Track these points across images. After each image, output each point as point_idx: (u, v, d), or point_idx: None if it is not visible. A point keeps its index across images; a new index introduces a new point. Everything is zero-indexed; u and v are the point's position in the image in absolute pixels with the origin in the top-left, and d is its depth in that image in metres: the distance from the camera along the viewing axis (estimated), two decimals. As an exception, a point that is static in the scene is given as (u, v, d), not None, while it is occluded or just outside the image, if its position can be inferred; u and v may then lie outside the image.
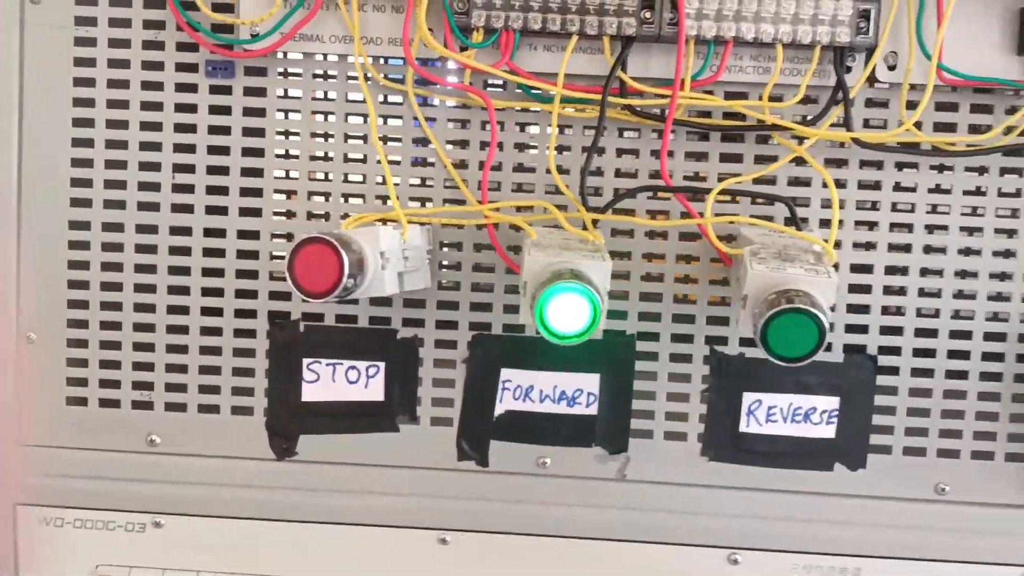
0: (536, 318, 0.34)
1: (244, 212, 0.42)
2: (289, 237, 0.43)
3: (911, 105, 0.40)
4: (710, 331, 0.42)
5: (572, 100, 0.41)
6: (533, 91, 0.40)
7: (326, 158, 0.42)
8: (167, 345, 0.43)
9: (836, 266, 0.39)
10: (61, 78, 0.42)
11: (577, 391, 0.42)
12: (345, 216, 0.42)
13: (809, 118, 0.40)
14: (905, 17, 0.39)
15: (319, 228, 0.42)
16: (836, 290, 0.35)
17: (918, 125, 0.40)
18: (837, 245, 0.41)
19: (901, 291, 0.42)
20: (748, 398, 0.42)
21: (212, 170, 0.42)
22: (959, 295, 0.42)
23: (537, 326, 0.34)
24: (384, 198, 0.42)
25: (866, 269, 0.42)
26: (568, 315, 0.33)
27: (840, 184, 0.41)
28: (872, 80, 0.40)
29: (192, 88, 0.42)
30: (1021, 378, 0.42)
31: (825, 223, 0.40)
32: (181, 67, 0.42)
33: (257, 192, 0.42)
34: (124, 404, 0.43)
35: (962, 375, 0.42)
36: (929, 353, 0.42)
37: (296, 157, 0.42)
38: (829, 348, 0.42)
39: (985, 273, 0.41)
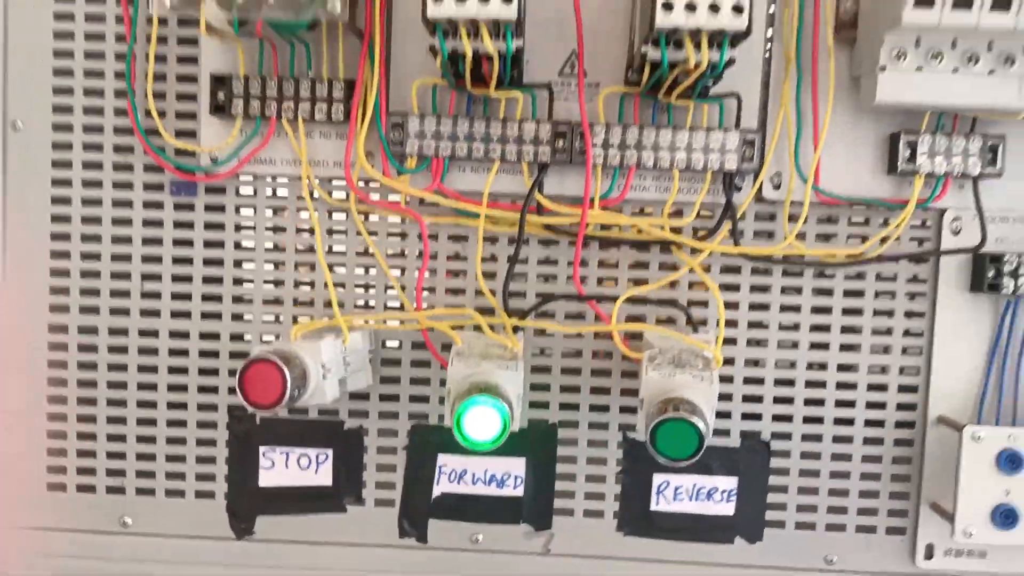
0: (454, 427, 0.38)
1: (205, 316, 0.47)
2: (243, 339, 0.48)
3: (795, 218, 0.45)
4: (623, 419, 0.47)
5: (495, 217, 0.46)
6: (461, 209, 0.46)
7: (277, 267, 0.47)
8: (137, 436, 0.48)
9: (731, 360, 0.44)
10: (40, 199, 0.47)
11: (506, 474, 0.47)
12: (295, 320, 0.47)
13: (701, 234, 0.46)
14: (787, 143, 0.45)
15: (273, 330, 0.47)
16: (717, 394, 0.40)
17: (803, 235, 0.46)
18: (732, 342, 0.46)
19: (790, 383, 0.47)
20: (657, 479, 0.47)
21: (176, 278, 0.47)
22: (841, 386, 0.47)
23: (455, 433, 0.39)
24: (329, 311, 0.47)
25: (759, 364, 0.47)
26: (481, 425, 0.38)
27: (734, 287, 0.47)
28: (760, 198, 0.45)
29: (158, 205, 0.47)
30: (898, 460, 0.47)
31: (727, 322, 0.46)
32: (148, 186, 0.47)
33: (216, 298, 0.47)
34: (99, 489, 0.48)
35: (846, 457, 0.47)
36: (816, 438, 0.47)
37: (252, 266, 0.47)
38: (728, 434, 0.47)
39: (864, 366, 0.47)
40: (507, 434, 0.39)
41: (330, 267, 0.47)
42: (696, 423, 0.38)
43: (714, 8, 0.36)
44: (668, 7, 0.36)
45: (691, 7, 0.36)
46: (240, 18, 0.40)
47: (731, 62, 0.38)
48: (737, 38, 0.37)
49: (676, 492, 0.47)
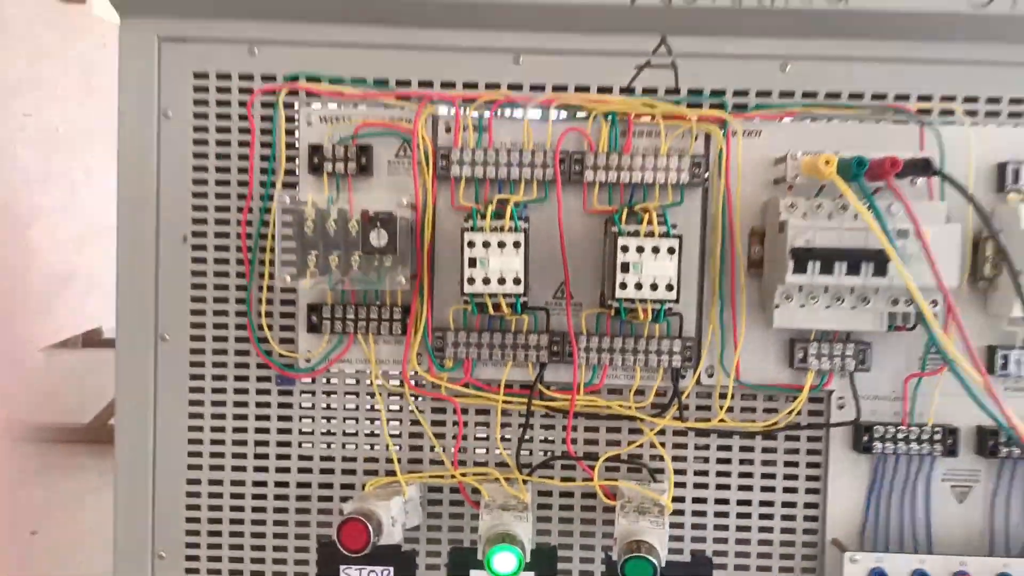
0: (486, 564, 0.56)
1: (300, 471, 0.65)
2: (330, 487, 0.65)
3: (725, 398, 0.63)
4: (604, 542, 0.65)
5: (510, 399, 0.64)
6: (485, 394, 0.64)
7: (353, 437, 0.65)
8: (251, 558, 0.66)
9: (681, 498, 0.62)
10: (180, 393, 0.65)
11: (519, 584, 0.65)
12: (365, 483, 0.65)
13: (656, 411, 0.64)
14: (716, 347, 0.63)
15: (351, 481, 0.65)
16: (667, 534, 0.58)
17: (732, 410, 0.64)
18: (683, 485, 0.64)
19: (725, 515, 0.65)
20: (630, 587, 0.64)
21: (280, 444, 0.65)
22: (763, 516, 0.64)
23: (486, 569, 0.56)
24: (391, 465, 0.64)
25: (702, 501, 0.65)
26: (504, 562, 0.56)
27: (683, 446, 0.64)
28: (698, 383, 0.63)
29: (267, 392, 0.65)
30: (806, 570, 0.64)
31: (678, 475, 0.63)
32: (261, 378, 0.65)
33: (308, 457, 0.65)
34: (223, 598, 0.66)
35: (767, 568, 0.64)
36: (745, 554, 0.64)
37: (333, 437, 0.65)
38: (681, 552, 0.64)
39: (779, 503, 0.64)
40: (522, 567, 0.56)
41: (391, 436, 0.65)
42: (652, 560, 0.56)
43: (654, 287, 0.55)
44: (623, 286, 0.55)
45: (639, 286, 0.55)
46: (337, 286, 0.59)
47: (670, 310, 0.56)
48: (671, 301, 0.55)
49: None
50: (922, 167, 0.55)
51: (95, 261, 2.84)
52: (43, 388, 4.63)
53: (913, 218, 0.54)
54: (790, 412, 0.63)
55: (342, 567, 0.65)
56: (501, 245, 0.56)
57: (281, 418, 0.65)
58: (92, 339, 5.47)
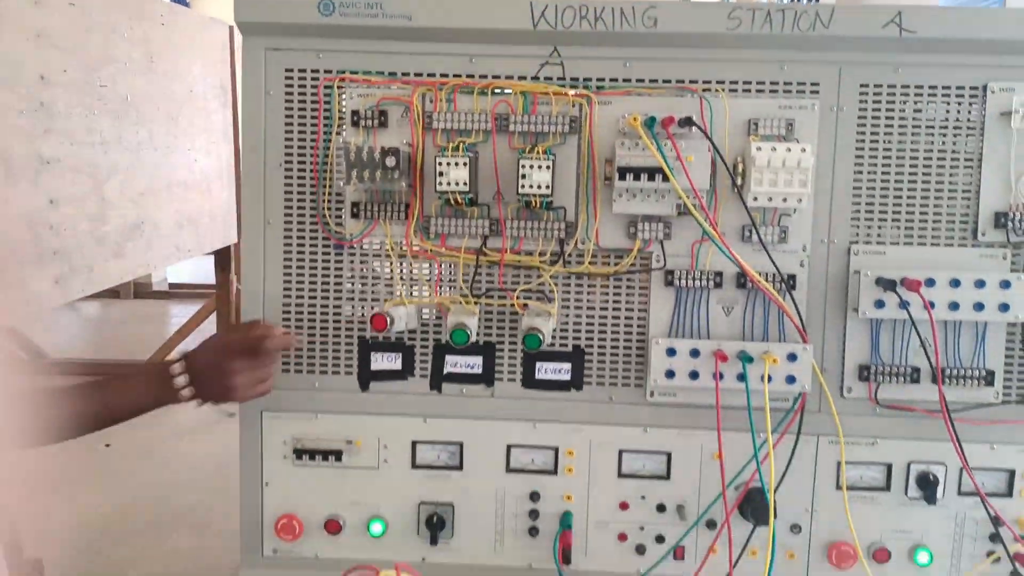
0: (452, 337, 1.04)
1: (348, 299, 1.13)
2: (363, 319, 1.13)
3: (590, 253, 1.10)
4: (519, 342, 1.12)
5: (467, 258, 1.11)
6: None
7: (377, 282, 1.13)
8: (322, 346, 1.14)
9: (568, 316, 1.09)
10: (277, 257, 1.13)
11: (475, 363, 1.12)
12: (385, 302, 1.12)
13: (552, 262, 1.10)
14: (585, 223, 1.09)
15: (376, 306, 1.12)
16: (551, 326, 1.05)
17: (595, 262, 1.10)
18: (566, 307, 1.11)
19: (591, 324, 1.11)
20: (539, 364, 1.12)
21: (336, 288, 1.13)
22: (614, 325, 1.11)
23: (452, 340, 1.04)
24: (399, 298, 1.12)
25: (579, 317, 1.12)
26: (459, 338, 1.04)
27: (567, 284, 1.11)
28: (575, 246, 1.10)
29: (327, 253, 1.12)
30: (639, 360, 1.11)
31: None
32: (325, 245, 1.12)
33: (351, 298, 1.13)
34: (302, 371, 1.14)
35: (617, 354, 1.11)
36: (603, 347, 1.12)
37: (364, 282, 1.13)
38: (567, 346, 1.11)
39: (623, 317, 1.11)
40: (468, 340, 1.04)
41: (402, 280, 1.12)
42: (540, 335, 1.03)
43: (538, 187, 1.01)
44: (522, 187, 1.01)
45: (531, 186, 1.01)
46: (368, 190, 1.06)
47: (551, 203, 1.03)
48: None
49: (546, 370, 1.12)
50: (686, 121, 1.01)
51: (157, 214, 3.34)
52: (102, 333, 5.17)
53: (676, 149, 1.00)
54: (628, 263, 1.09)
55: (372, 353, 1.13)
56: (456, 164, 1.02)
57: (336, 272, 1.13)
58: (143, 291, 6.00)
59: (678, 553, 1.13)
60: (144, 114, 3.20)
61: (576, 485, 1.13)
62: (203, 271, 6.12)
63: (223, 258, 4.13)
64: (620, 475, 1.13)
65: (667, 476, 1.12)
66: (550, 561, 1.14)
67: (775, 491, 1.06)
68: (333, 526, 1.14)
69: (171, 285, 6.03)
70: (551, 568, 1.13)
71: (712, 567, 1.08)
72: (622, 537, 1.14)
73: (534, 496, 1.13)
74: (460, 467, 1.13)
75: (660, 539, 1.13)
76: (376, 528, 1.14)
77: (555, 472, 1.13)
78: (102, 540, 2.62)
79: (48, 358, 4.30)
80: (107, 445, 3.43)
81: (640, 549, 1.13)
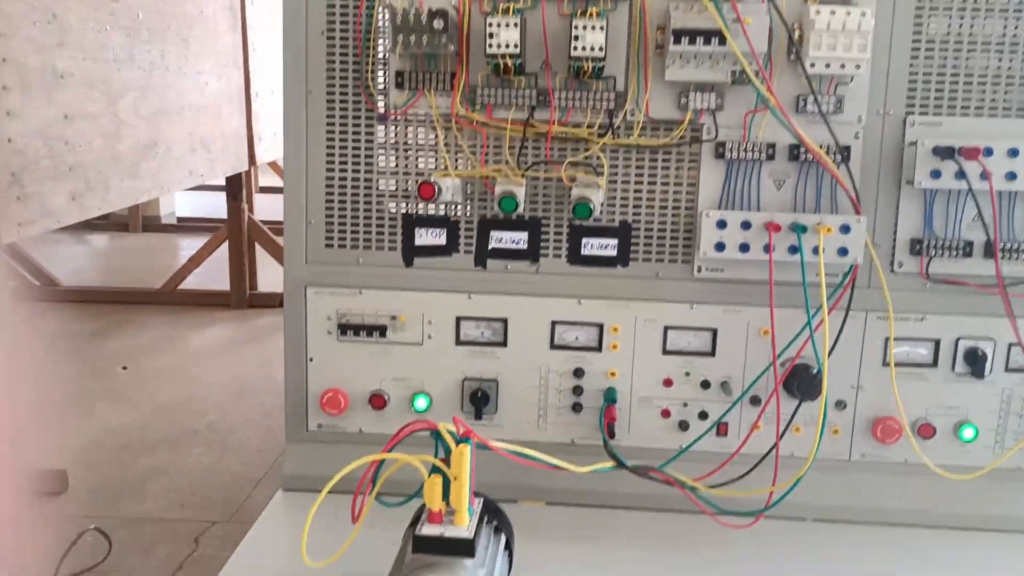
0: (499, 205, 1.02)
1: (380, 173, 1.11)
2: (410, 179, 1.11)
3: (641, 125, 1.07)
4: (570, 215, 1.11)
5: (514, 129, 1.09)
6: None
7: (423, 151, 1.11)
8: (366, 220, 1.13)
9: (616, 186, 1.07)
10: (319, 126, 1.10)
11: (520, 238, 1.11)
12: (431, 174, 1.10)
13: (600, 134, 1.08)
14: (635, 95, 1.07)
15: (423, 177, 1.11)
16: (602, 198, 1.03)
17: (643, 134, 1.08)
18: (614, 181, 1.09)
19: (639, 196, 1.10)
20: (585, 240, 1.11)
21: (380, 166, 1.11)
22: (662, 196, 1.10)
23: (500, 207, 1.02)
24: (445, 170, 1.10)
25: (627, 187, 1.10)
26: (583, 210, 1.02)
27: (615, 156, 1.09)
28: (625, 117, 1.08)
29: (371, 125, 1.10)
30: (688, 230, 1.10)
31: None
32: (368, 117, 1.10)
33: (395, 174, 1.11)
34: (347, 247, 1.13)
35: (664, 227, 1.10)
36: (651, 221, 1.10)
37: (408, 154, 1.11)
38: (614, 222, 1.10)
39: (671, 191, 1.10)
40: (517, 206, 1.02)
41: (447, 151, 1.10)
42: (591, 204, 1.01)
43: (592, 49, 0.99)
44: (575, 48, 0.99)
45: (583, 48, 0.99)
46: (413, 56, 1.03)
47: (602, 70, 1.00)
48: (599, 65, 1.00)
49: (592, 246, 1.10)
50: (745, -19, 0.98)
51: (170, 135, 3.31)
52: (111, 264, 5.18)
53: (735, 8, 0.97)
54: (678, 134, 1.07)
55: (416, 228, 1.12)
56: (507, 25, 1.00)
57: (380, 146, 1.11)
58: (151, 224, 5.99)
59: (721, 429, 1.14)
60: (156, 33, 3.14)
61: (620, 362, 1.13)
62: (211, 206, 6.09)
63: (234, 186, 4.11)
64: (665, 352, 1.12)
65: (712, 353, 1.12)
66: (593, 437, 1.14)
67: (819, 373, 1.06)
68: (378, 401, 1.14)
69: (179, 219, 6.01)
70: (593, 444, 1.13)
71: (755, 443, 1.09)
72: (665, 413, 1.14)
73: (578, 373, 1.13)
74: (504, 343, 1.13)
75: (703, 415, 1.13)
76: (420, 403, 1.14)
77: (599, 349, 1.13)
78: (123, 454, 2.65)
79: (60, 285, 4.31)
80: (124, 368, 3.46)
81: (683, 425, 1.14)
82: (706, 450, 1.13)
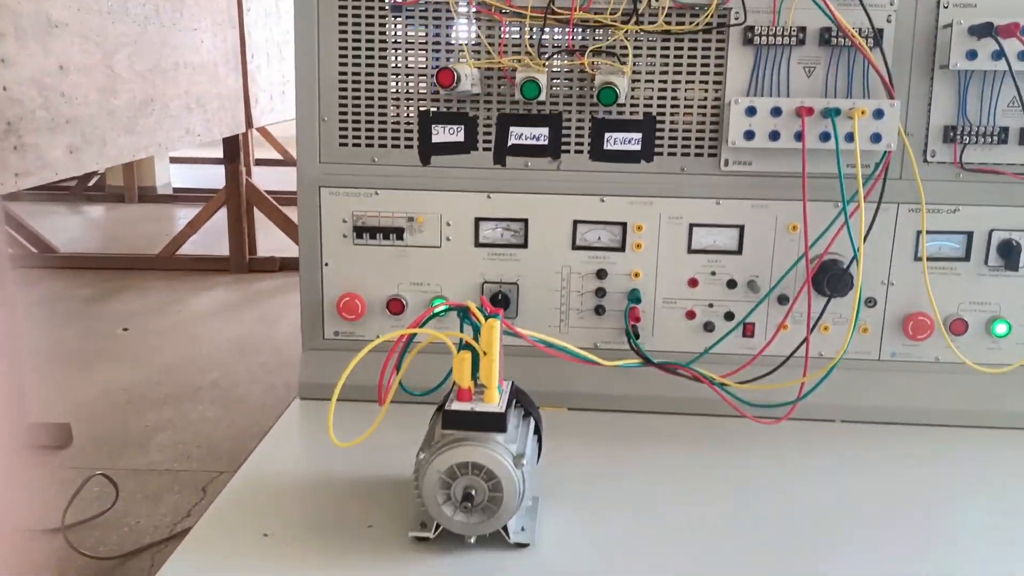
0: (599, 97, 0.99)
1: (406, 76, 1.07)
2: (424, 72, 1.07)
3: (665, 9, 1.04)
4: (592, 103, 1.07)
5: (534, 16, 1.05)
6: (519, 14, 1.05)
7: (436, 45, 1.07)
8: (381, 117, 1.09)
9: (638, 80, 1.04)
10: (332, 19, 1.06)
11: (541, 134, 1.08)
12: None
13: (624, 20, 1.04)
14: (660, -19, 1.03)
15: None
16: (627, 85, 1.00)
17: (669, 20, 1.05)
18: (638, 73, 1.05)
19: (663, 86, 1.07)
20: (607, 135, 1.07)
21: (395, 65, 1.07)
22: (689, 83, 1.06)
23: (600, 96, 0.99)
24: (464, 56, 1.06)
25: (650, 81, 1.06)
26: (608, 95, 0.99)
27: (639, 46, 1.06)
28: (649, 5, 1.04)
29: (384, 17, 1.06)
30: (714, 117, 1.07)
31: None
32: (382, 8, 1.06)
33: (411, 73, 1.07)
34: (361, 144, 1.09)
35: (691, 120, 1.07)
36: (675, 111, 1.07)
37: (424, 49, 1.07)
38: (638, 114, 1.06)
39: (698, 74, 1.06)
40: (540, 92, 0.99)
41: (465, 41, 1.06)
42: (616, 88, 0.98)
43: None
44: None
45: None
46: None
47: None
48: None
49: (615, 140, 1.07)
50: None
51: (165, 92, 3.26)
52: (108, 233, 5.13)
53: None
54: (705, 19, 1.04)
55: (434, 125, 1.08)
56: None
57: (395, 39, 1.07)
58: (148, 194, 5.94)
59: (747, 330, 1.11)
60: (148, -17, 3.09)
61: (644, 262, 1.10)
62: (207, 177, 6.04)
63: (232, 149, 4.06)
64: (690, 251, 1.09)
65: (739, 250, 1.09)
66: (616, 341, 1.12)
67: (852, 264, 1.03)
68: (396, 306, 1.11)
69: (176, 189, 5.96)
70: (616, 348, 1.11)
71: (782, 344, 1.06)
72: (690, 315, 1.11)
73: (601, 274, 1.10)
74: (525, 245, 1.10)
75: (729, 316, 1.11)
76: (440, 307, 1.11)
77: (623, 249, 1.10)
78: (127, 410, 2.62)
79: (57, 252, 4.26)
80: (125, 329, 3.43)
81: (708, 327, 1.11)
82: (731, 352, 1.10)
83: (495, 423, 0.78)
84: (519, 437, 0.82)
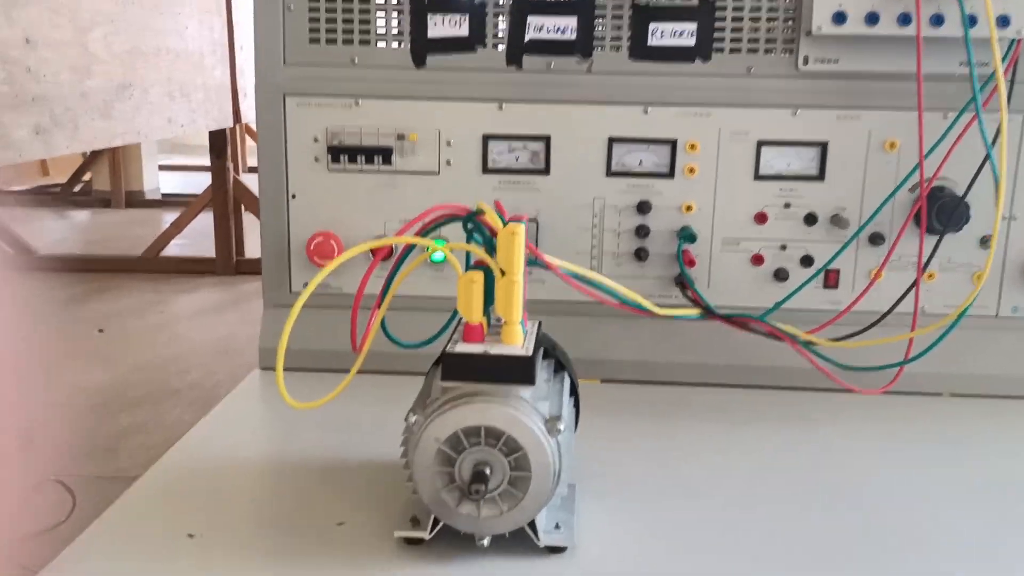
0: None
1: None
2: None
3: None
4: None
5: None
6: None
7: None
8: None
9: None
10: None
11: (566, 26, 0.84)
12: None
13: None
14: None
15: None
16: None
17: None
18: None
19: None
20: (652, 25, 0.84)
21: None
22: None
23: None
24: None
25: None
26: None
27: None
28: None
29: None
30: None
31: None
32: None
33: None
34: (338, 42, 0.86)
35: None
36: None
37: None
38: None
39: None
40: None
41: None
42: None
43: None
44: None
45: None
46: None
47: None
48: None
49: (662, 33, 0.84)
50: None
51: (146, 78, 3.04)
52: (92, 236, 4.92)
53: None
54: None
55: (430, 15, 0.85)
56: None
57: None
58: (135, 199, 5.73)
59: (830, 278, 0.87)
60: (125, -44, 2.89)
61: (699, 191, 0.86)
62: (196, 184, 5.82)
63: (218, 143, 3.84)
64: (758, 176, 0.86)
65: (820, 176, 0.85)
66: (662, 294, 0.88)
67: (966, 195, 0.79)
68: (382, 249, 0.87)
69: (164, 195, 5.75)
70: (663, 303, 0.87)
71: (874, 299, 0.82)
72: (757, 260, 0.87)
73: (643, 208, 0.87)
74: (546, 170, 0.87)
75: (807, 261, 0.87)
76: (437, 255, 0.87)
77: (671, 175, 0.86)
78: (99, 412, 2.39)
79: (36, 253, 4.03)
80: (100, 331, 3.20)
81: (780, 274, 0.87)
82: (808, 307, 0.86)
83: (519, 371, 0.54)
84: (551, 394, 0.58)
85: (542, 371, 0.59)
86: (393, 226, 0.87)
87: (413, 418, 0.54)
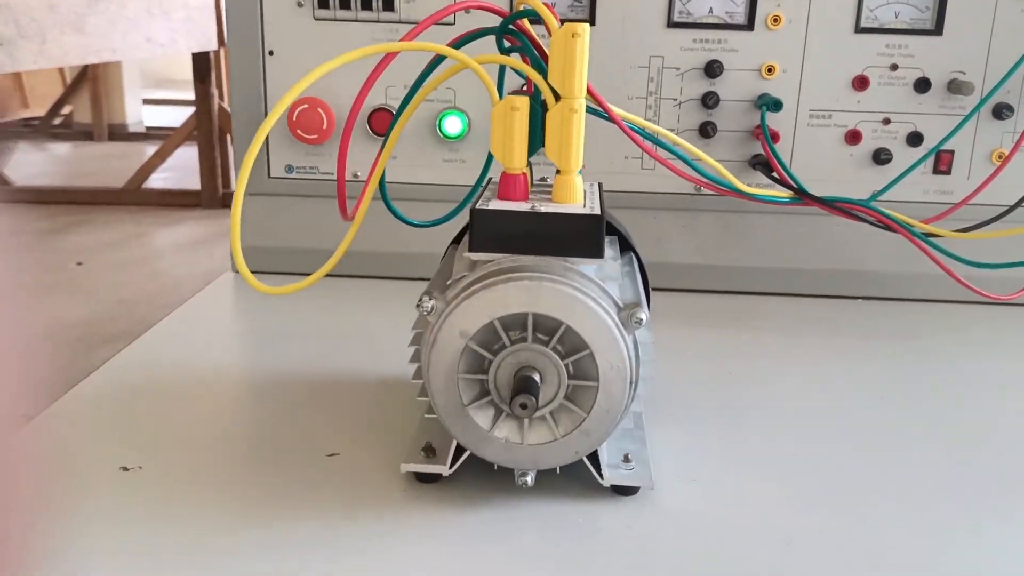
0: None
1: None
2: None
3: None
4: None
5: None
6: None
7: None
8: None
9: None
10: None
11: None
12: None
13: None
14: None
15: None
16: None
17: None
18: None
19: None
20: None
21: None
22: None
23: None
24: None
25: None
26: None
27: None
28: None
29: None
30: None
31: None
32: None
33: None
34: None
35: None
36: None
37: None
38: None
39: None
40: None
41: None
42: None
43: None
44: None
45: None
46: None
47: None
48: None
49: None
50: None
51: (118, -10, 2.82)
52: (72, 168, 4.72)
53: None
54: None
55: None
56: None
57: None
58: (118, 132, 5.52)
59: (942, 161, 0.70)
60: None
61: (784, 49, 0.68)
62: (181, 118, 5.57)
63: (202, 67, 3.61)
64: (858, 30, 0.68)
65: (937, 29, 0.67)
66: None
67: None
68: (382, 120, 0.69)
69: (148, 128, 5.52)
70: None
71: (995, 189, 0.64)
72: (853, 137, 0.70)
73: (712, 69, 0.68)
74: (591, 20, 0.68)
75: (915, 139, 0.69)
76: (452, 125, 0.70)
77: (750, 25, 0.68)
78: (75, 347, 2.23)
79: (12, 185, 3.83)
80: (79, 263, 3.03)
81: (881, 156, 0.69)
82: (911, 198, 0.69)
83: (583, 238, 0.37)
84: (623, 276, 0.41)
85: (610, 248, 0.42)
86: (396, 92, 0.69)
87: (429, 303, 0.37)
